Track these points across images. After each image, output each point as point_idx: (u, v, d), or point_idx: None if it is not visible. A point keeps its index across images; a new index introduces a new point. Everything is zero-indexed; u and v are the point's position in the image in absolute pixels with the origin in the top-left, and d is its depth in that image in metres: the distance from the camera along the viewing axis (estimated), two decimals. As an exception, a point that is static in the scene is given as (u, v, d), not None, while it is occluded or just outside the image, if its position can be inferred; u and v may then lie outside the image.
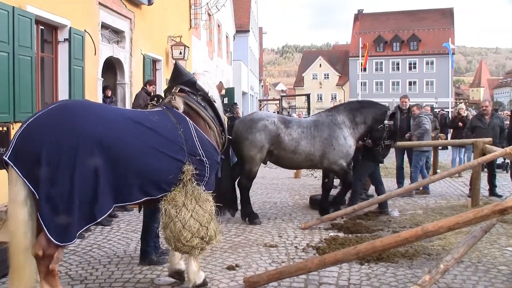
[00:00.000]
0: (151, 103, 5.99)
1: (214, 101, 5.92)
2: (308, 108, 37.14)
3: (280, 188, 13.10)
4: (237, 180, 9.35)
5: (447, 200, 11.17)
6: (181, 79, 5.77)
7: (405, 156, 12.35)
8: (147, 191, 4.78)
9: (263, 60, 71.82)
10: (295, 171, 15.48)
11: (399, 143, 10.83)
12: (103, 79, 11.62)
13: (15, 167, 4.10)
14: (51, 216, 4.12)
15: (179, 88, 5.63)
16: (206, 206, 5.10)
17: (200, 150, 5.17)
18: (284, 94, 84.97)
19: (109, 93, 12.01)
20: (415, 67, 78.60)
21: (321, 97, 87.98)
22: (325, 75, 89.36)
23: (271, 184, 13.74)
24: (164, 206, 4.98)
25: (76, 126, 4.25)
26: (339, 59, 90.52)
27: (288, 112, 45.71)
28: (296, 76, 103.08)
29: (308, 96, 41.67)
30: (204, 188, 5.22)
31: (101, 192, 4.33)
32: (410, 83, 78.72)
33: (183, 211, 4.96)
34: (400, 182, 12.13)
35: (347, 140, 9.24)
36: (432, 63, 77.34)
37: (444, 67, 64.99)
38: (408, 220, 9.21)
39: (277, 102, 49.43)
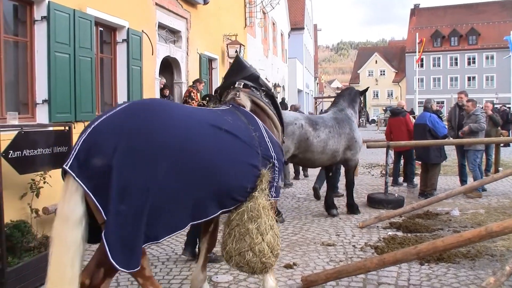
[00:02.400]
0: (202, 102, 5.67)
1: (276, 97, 5.48)
2: (364, 105, 36.68)
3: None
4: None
5: (511, 199, 10.79)
6: (244, 73, 5.18)
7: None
8: (223, 204, 4.13)
9: (318, 58, 71.49)
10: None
11: (456, 141, 10.74)
12: (160, 78, 11.77)
13: (77, 179, 3.29)
14: (117, 237, 3.30)
15: (243, 83, 5.08)
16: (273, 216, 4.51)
17: (272, 153, 4.57)
18: (339, 91, 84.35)
19: (167, 92, 12.18)
20: (474, 62, 76.54)
21: (377, 94, 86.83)
22: (381, 71, 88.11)
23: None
24: (235, 219, 4.32)
25: (154, 131, 3.52)
26: (395, 55, 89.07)
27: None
28: (351, 73, 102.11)
29: (364, 92, 41.27)
30: (273, 195, 4.62)
31: (178, 208, 3.67)
32: (469, 79, 76.73)
33: (262, 223, 4.27)
34: (463, 180, 11.76)
35: (358, 130, 9.74)
36: (492, 57, 75.12)
37: (505, 62, 62.88)
38: (469, 219, 8.95)
39: (333, 99, 49.11)
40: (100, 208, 3.29)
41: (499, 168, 13.02)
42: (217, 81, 15.45)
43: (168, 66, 12.86)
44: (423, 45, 45.85)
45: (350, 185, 9.70)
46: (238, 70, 5.24)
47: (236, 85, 5.03)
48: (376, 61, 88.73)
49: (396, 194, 10.78)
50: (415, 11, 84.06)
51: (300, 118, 9.02)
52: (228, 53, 16.17)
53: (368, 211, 9.83)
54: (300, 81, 40.65)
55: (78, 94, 8.03)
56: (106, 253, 3.25)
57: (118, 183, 3.28)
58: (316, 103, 49.19)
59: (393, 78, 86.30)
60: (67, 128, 6.63)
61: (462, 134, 11.23)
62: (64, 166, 3.36)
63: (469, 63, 76.97)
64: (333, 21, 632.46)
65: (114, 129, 3.43)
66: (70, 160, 3.35)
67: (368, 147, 11.28)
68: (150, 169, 3.41)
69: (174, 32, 12.76)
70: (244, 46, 16.81)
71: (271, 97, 5.33)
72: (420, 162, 11.86)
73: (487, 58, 75.76)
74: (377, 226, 8.50)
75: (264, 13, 23.42)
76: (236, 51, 5.67)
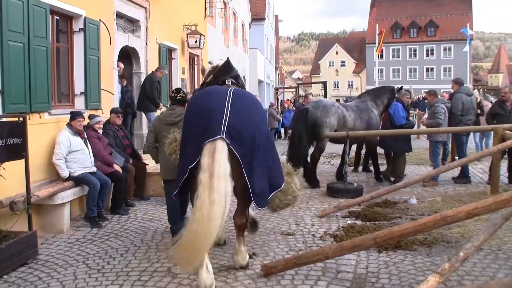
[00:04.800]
0: (172, 94, 7.30)
1: None
2: (325, 96, 36.89)
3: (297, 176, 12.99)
4: (311, 154, 11.67)
5: (466, 187, 11.02)
6: (231, 74, 6.28)
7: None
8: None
9: (279, 48, 71.56)
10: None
11: (412, 130, 11.04)
12: (119, 68, 11.60)
13: (231, 146, 4.99)
14: (258, 188, 5.24)
15: (231, 81, 6.15)
16: None
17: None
18: (301, 82, 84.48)
19: (125, 82, 12.01)
20: (432, 54, 77.83)
21: (337, 85, 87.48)
22: (341, 62, 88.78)
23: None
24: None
25: (261, 110, 5.78)
26: (356, 46, 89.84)
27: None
28: (312, 64, 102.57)
29: (324, 83, 41.48)
30: None
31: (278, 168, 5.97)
32: (427, 70, 78.05)
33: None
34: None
35: (377, 119, 12.09)
36: (449, 49, 76.48)
37: (462, 53, 64.09)
38: (426, 207, 9.11)
39: (294, 90, 49.23)
40: (244, 167, 5.12)
41: (455, 157, 13.26)
42: (177, 71, 15.32)
43: (127, 56, 12.68)
44: (383, 36, 46.24)
45: (375, 161, 12.14)
46: (228, 71, 6.32)
47: (226, 82, 6.09)
48: (336, 52, 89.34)
49: (355, 184, 10.90)
50: (376, 2, 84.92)
51: (336, 103, 12.16)
52: (188, 43, 16.03)
53: (328, 200, 9.92)
54: (261, 72, 40.61)
55: (33, 84, 7.83)
56: (251, 200, 5.29)
57: (258, 150, 5.24)
58: (277, 93, 49.29)
59: (353, 69, 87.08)
60: (21, 119, 6.49)
61: (425, 126, 11.52)
62: (221, 135, 4.93)
63: (427, 55, 78.24)
64: (294, 12, 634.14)
65: (246, 111, 5.35)
66: (223, 131, 4.96)
67: (327, 136, 11.34)
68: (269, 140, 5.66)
69: (132, 22, 12.57)
70: (204, 36, 16.69)
71: None
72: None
73: (445, 49, 77.12)
74: (337, 215, 8.59)
75: (224, 3, 23.29)
76: (228, 58, 6.36)
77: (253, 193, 5.18)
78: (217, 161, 4.81)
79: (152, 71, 12.67)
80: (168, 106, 8.26)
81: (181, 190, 5.55)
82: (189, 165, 5.12)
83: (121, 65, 11.75)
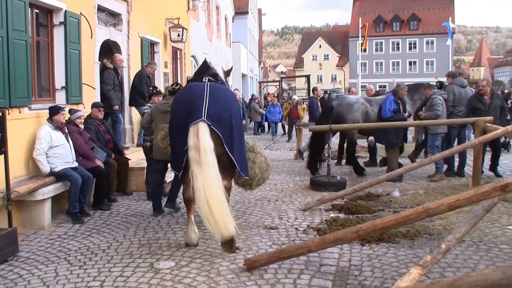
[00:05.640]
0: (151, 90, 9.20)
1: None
2: (308, 89, 36.91)
3: (280, 170, 13.03)
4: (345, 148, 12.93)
5: (448, 180, 11.09)
6: (209, 72, 7.09)
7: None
8: None
9: (262, 42, 71.49)
10: (295, 152, 15.55)
11: (405, 123, 11.04)
12: (100, 62, 11.50)
13: (213, 126, 6.04)
14: (240, 161, 6.45)
15: (208, 78, 6.89)
16: None
17: None
18: (284, 75, 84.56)
19: (106, 76, 11.89)
20: (415, 47, 78.24)
21: (321, 78, 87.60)
22: (325, 56, 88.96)
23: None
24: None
25: (234, 97, 7.03)
26: (339, 40, 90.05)
27: (288, 94, 45.53)
28: (296, 58, 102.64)
29: (308, 77, 41.51)
30: None
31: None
32: (410, 63, 78.46)
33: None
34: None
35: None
36: (432, 42, 76.95)
37: (444, 47, 64.37)
38: (409, 200, 9.16)
39: (277, 83, 49.25)
40: (226, 145, 6.19)
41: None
42: (160, 65, 15.21)
43: (109, 50, 12.56)
44: (366, 30, 46.34)
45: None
46: (204, 69, 7.20)
47: (203, 79, 6.82)
48: (320, 46, 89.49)
49: (339, 177, 10.92)
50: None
51: (360, 98, 12.69)
52: (170, 36, 15.93)
53: (311, 194, 9.93)
54: (245, 66, 40.58)
55: (13, 79, 7.71)
56: (235, 168, 6.47)
57: (235, 129, 6.37)
58: (260, 87, 49.27)
59: (336, 63, 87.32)
60: (0, 114, 6.40)
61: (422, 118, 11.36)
62: (202, 118, 6.01)
63: (410, 48, 78.63)
64: (278, 5, 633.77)
65: (223, 96, 6.51)
66: (204, 114, 6.03)
67: (310, 130, 11.34)
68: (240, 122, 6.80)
69: (114, 15, 12.46)
70: (186, 29, 16.59)
71: None
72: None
73: (427, 43, 77.56)
74: (320, 209, 8.59)
75: (207, -4, 23.18)
76: (205, 58, 7.46)
77: (237, 163, 6.36)
78: (201, 139, 5.87)
79: (143, 67, 12.61)
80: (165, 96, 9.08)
81: (179, 168, 6.50)
82: (184, 147, 6.14)
83: (120, 57, 11.75)
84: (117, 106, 11.28)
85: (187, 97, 6.47)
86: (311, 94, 19.85)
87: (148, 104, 9.53)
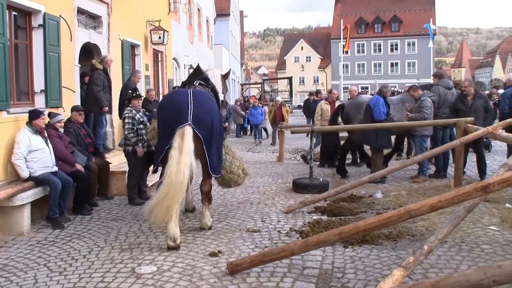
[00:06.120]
0: (130, 93, 9.68)
1: (218, 92, 8.38)
2: (290, 91, 37.00)
3: (262, 173, 13.02)
4: (342, 145, 12.79)
5: (431, 181, 11.14)
6: (200, 76, 8.06)
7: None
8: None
9: (244, 44, 71.46)
10: (277, 154, 15.53)
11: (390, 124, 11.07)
12: (80, 65, 11.42)
13: (196, 130, 6.71)
14: (215, 162, 7.19)
15: (198, 82, 7.88)
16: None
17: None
18: (266, 77, 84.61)
19: (86, 79, 11.80)
20: (396, 49, 78.82)
21: (303, 80, 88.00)
22: (307, 57, 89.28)
23: (253, 169, 13.57)
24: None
25: (215, 103, 7.61)
26: (321, 41, 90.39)
27: (271, 96, 45.58)
28: (278, 60, 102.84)
29: (290, 79, 41.65)
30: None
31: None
32: (391, 65, 79.00)
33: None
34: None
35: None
36: (413, 44, 77.57)
37: (426, 48, 64.83)
38: (391, 201, 9.19)
39: (259, 86, 49.26)
40: (205, 146, 6.94)
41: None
42: (141, 67, 15.13)
43: (89, 53, 12.47)
44: (348, 32, 46.53)
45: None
46: (197, 74, 8.18)
47: (194, 83, 7.84)
48: (302, 48, 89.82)
49: (321, 179, 10.95)
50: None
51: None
52: (151, 39, 15.87)
53: (294, 196, 9.93)
54: (226, 68, 40.44)
55: (-9, 82, 7.63)
56: (210, 171, 7.18)
57: (214, 133, 7.09)
58: (242, 89, 49.26)
59: (318, 64, 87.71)
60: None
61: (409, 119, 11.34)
62: (189, 121, 6.66)
63: (392, 49, 79.20)
64: (259, 7, 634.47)
65: (205, 102, 7.16)
66: (190, 118, 6.68)
67: (292, 132, 11.35)
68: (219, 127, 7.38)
69: (94, 18, 12.38)
70: (167, 32, 16.53)
71: (214, 91, 8.13)
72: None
73: (409, 44, 78.19)
74: (302, 211, 8.59)
75: (188, -2, 23.13)
76: (198, 64, 8.25)
77: (210, 164, 7.10)
78: (185, 141, 6.53)
79: (129, 78, 12.60)
80: None
81: (157, 165, 7.43)
82: (165, 147, 6.84)
83: (110, 58, 11.76)
84: (107, 108, 11.23)
85: (173, 102, 7.12)
86: (315, 97, 19.70)
87: (128, 108, 9.41)
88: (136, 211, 8.70)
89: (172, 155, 6.46)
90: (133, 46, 14.85)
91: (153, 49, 16.67)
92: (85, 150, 9.34)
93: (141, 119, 9.39)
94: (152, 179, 10.04)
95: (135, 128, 9.25)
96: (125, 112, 9.49)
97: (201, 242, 6.87)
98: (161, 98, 14.67)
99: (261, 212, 8.62)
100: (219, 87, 8.61)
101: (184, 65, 22.99)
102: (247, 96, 41.21)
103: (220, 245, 6.71)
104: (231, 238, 7.09)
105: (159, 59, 17.98)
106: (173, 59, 20.48)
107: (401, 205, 8.36)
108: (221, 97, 8.73)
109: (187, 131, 6.61)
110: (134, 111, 9.36)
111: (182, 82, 8.73)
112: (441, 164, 11.63)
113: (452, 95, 11.66)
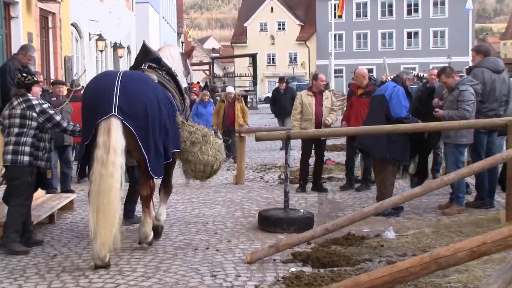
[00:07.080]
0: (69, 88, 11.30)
1: (176, 75, 9.52)
2: (254, 75, 37.09)
3: (212, 201, 12.97)
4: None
5: (469, 212, 11.18)
6: (148, 57, 9.16)
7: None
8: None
9: (183, 3, 71.52)
10: (235, 173, 15.45)
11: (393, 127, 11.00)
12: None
13: (125, 121, 7.65)
14: (154, 160, 8.11)
15: (147, 65, 8.99)
16: None
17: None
18: (217, 54, 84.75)
19: None
20: (416, 11, 79.32)
21: (273, 59, 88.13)
22: (279, 24, 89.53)
23: (199, 196, 13.57)
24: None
25: (155, 87, 8.54)
26: (301, 1, 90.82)
27: (224, 83, 45.54)
28: (235, 27, 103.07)
29: (253, 57, 41.67)
30: None
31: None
32: (409, 35, 79.60)
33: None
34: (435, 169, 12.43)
35: None
36: (442, 3, 78.13)
37: (462, 10, 65.40)
38: (409, 243, 9.21)
39: (207, 67, 49.31)
40: (140, 141, 7.82)
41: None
42: (20, 37, 14.98)
43: None
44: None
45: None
46: (144, 54, 9.27)
47: (142, 67, 8.95)
48: (272, 9, 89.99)
49: (302, 210, 10.89)
50: None
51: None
52: (37, -4, 15.75)
53: (260, 237, 9.90)
54: (156, 39, 40.50)
55: None
56: (150, 172, 8.19)
57: (152, 124, 8.00)
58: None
59: (297, 35, 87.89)
60: None
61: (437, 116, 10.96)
62: (113, 112, 7.54)
63: (409, 12, 79.65)
64: None
65: (138, 87, 8.14)
66: (114, 108, 7.58)
67: (258, 139, 11.30)
68: (161, 114, 8.28)
69: None
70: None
71: (171, 74, 9.35)
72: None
73: (435, 4, 78.64)
74: (274, 260, 8.56)
75: None
76: (143, 41, 9.96)
77: (149, 162, 8.00)
78: (112, 137, 7.43)
79: (12, 57, 12.37)
80: None
81: (83, 169, 8.46)
82: (84, 142, 7.90)
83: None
84: None
85: (95, 88, 8.22)
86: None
87: (33, 97, 9.15)
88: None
89: (97, 156, 7.41)
90: (7, 4, 14.72)
91: (40, 9, 16.57)
92: None
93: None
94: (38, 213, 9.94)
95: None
96: (37, 101, 8.92)
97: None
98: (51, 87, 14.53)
99: (210, 262, 8.57)
100: (178, 69, 9.76)
101: (90, 34, 22.89)
102: (189, 84, 41.15)
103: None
104: (164, 305, 7.08)
105: (50, 25, 17.86)
106: (72, 25, 20.39)
107: (424, 250, 8.42)
108: (184, 81, 10.19)
109: (114, 124, 7.57)
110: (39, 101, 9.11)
111: (130, 68, 9.91)
112: (486, 187, 11.51)
113: (502, 81, 11.32)
